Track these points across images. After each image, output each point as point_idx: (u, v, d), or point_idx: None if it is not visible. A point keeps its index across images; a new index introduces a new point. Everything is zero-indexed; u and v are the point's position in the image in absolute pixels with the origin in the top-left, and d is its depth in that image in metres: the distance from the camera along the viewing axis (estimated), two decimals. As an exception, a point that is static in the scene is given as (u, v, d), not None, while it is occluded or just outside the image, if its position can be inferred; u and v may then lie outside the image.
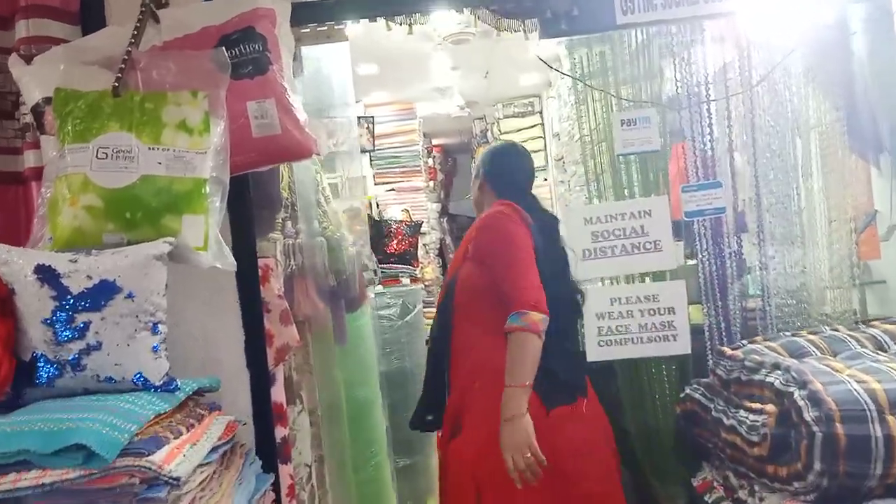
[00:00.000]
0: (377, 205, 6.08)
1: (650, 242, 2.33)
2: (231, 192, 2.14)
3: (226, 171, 1.87)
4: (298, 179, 2.52)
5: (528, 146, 6.71)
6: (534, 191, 7.43)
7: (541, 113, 6.61)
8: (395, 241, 5.59)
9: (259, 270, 2.24)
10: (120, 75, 1.71)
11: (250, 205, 2.17)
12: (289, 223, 2.49)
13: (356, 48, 4.96)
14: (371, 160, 6.19)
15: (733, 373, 1.85)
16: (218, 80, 1.85)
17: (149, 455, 1.32)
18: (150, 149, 1.78)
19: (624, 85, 2.49)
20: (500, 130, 6.68)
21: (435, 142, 8.28)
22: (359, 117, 5.99)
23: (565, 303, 2.16)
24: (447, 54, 5.01)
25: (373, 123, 6.01)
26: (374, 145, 6.04)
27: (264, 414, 2.15)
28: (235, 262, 1.82)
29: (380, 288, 4.17)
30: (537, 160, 6.67)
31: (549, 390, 2.01)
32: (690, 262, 2.47)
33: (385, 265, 5.49)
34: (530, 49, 5.37)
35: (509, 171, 2.43)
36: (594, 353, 2.33)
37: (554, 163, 6.27)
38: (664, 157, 2.44)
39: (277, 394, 2.23)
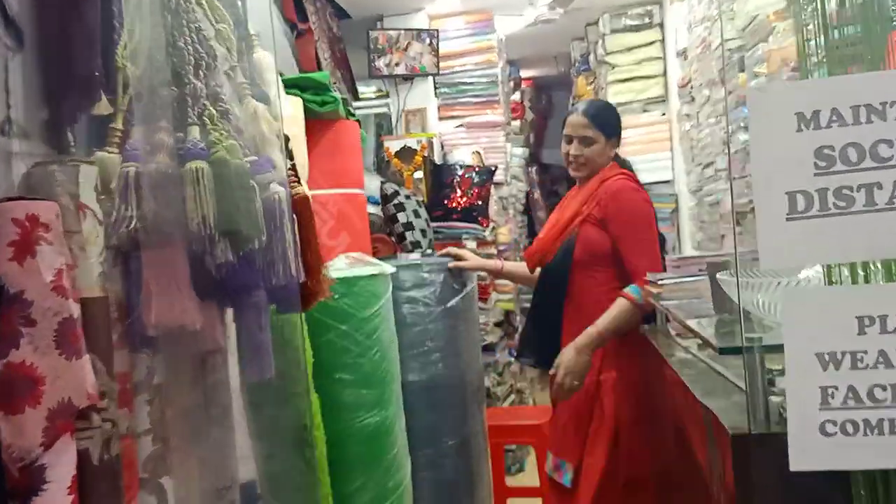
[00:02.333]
0: (441, 145, 4.74)
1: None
2: None
3: None
4: (157, 40, 1.21)
5: (644, 70, 5.18)
6: (649, 128, 5.73)
7: (661, 25, 5.03)
8: (460, 192, 4.25)
9: None
10: None
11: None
12: (138, 131, 1.19)
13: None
14: (435, 87, 4.82)
15: None
16: None
17: None
18: None
19: None
20: (605, 51, 5.15)
21: (524, 73, 6.82)
22: (418, 31, 4.63)
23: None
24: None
25: (437, 39, 4.63)
26: (438, 68, 4.67)
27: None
28: None
29: (414, 256, 2.83)
30: (654, 89, 5.15)
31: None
32: None
33: (444, 223, 4.18)
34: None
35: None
36: (815, 454, 0.93)
37: (678, 91, 4.71)
38: None
39: (47, 515, 0.96)
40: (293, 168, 1.38)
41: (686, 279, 2.01)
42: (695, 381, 1.40)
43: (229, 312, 1.29)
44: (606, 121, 2.42)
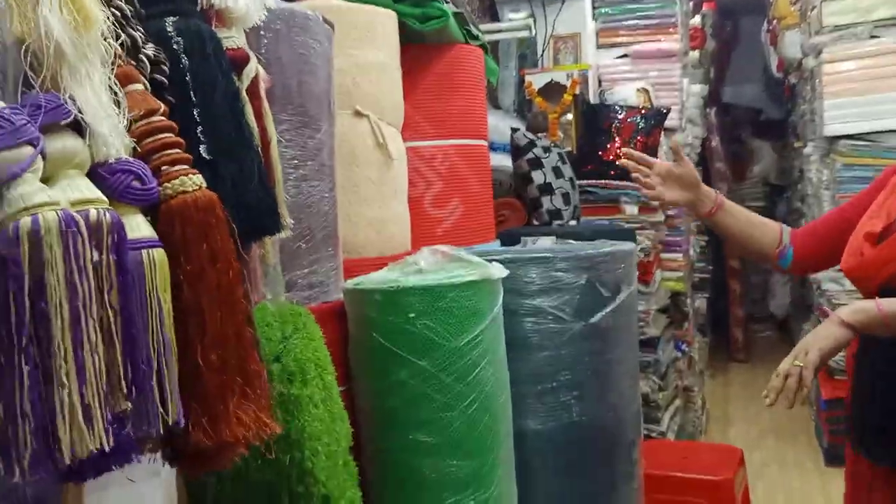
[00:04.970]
0: (599, 81, 3.77)
1: None
2: None
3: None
4: None
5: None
6: (878, 60, 4.35)
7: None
8: (619, 141, 3.30)
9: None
10: None
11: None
12: None
13: None
14: (594, 6, 3.83)
15: None
16: None
17: None
18: None
19: None
20: (823, -46, 3.89)
21: (708, -7, 5.58)
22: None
23: None
24: None
25: (597, -58, 3.63)
26: (598, -19, 3.68)
27: None
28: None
29: (543, 242, 1.96)
30: (887, 7, 3.90)
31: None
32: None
33: (597, 181, 3.27)
34: None
35: None
36: None
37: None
38: None
39: None
40: (162, 128, 0.57)
41: None
42: None
43: None
44: None
